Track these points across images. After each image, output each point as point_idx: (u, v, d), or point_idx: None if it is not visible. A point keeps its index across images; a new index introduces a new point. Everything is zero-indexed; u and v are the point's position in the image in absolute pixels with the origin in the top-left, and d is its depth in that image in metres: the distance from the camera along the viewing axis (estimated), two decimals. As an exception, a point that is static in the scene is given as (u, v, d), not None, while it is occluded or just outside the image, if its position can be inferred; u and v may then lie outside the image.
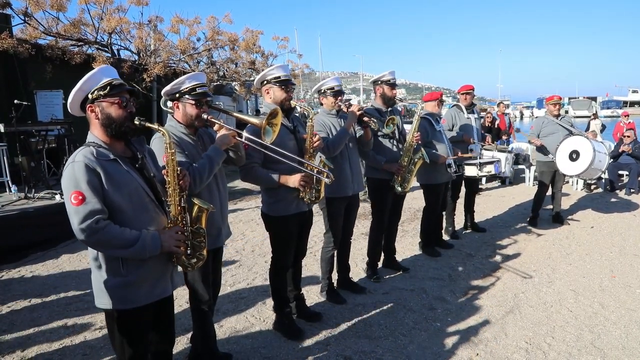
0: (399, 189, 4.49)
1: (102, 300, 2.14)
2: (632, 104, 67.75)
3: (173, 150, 2.15)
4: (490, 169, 5.13)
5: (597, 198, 8.25)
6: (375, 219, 4.69)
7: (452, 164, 5.10)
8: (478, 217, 6.64)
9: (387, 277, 4.80)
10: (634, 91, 72.78)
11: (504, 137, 10.82)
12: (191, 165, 2.60)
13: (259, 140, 2.87)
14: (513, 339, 3.59)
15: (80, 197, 1.95)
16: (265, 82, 3.39)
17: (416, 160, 4.49)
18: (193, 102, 2.69)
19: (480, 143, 5.93)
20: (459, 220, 6.43)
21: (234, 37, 12.40)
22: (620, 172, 9.31)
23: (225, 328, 3.79)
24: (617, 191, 9.06)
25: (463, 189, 6.26)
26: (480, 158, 5.57)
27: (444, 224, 5.98)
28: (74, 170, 1.98)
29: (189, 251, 2.29)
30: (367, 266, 4.80)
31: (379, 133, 4.34)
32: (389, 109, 4.53)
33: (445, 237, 6.00)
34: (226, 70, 13.32)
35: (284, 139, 3.25)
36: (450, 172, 5.12)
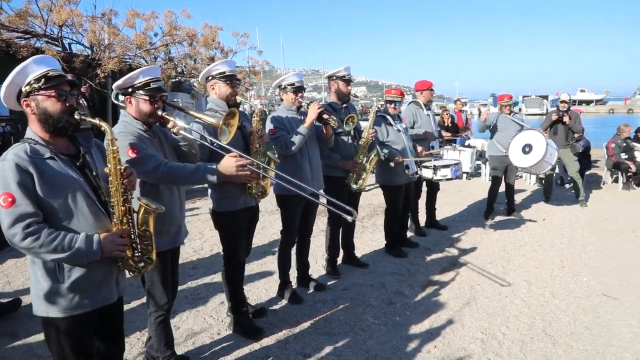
0: (355, 186, 4.48)
1: (40, 307, 2.01)
2: (580, 102, 71.16)
3: (115, 148, 2.01)
4: (445, 173, 4.96)
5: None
6: (331, 216, 4.69)
7: (410, 165, 5.05)
8: (438, 214, 6.74)
9: (347, 273, 4.81)
10: (582, 90, 76.42)
11: (464, 134, 11.06)
12: (165, 164, 2.55)
13: (211, 138, 2.84)
14: (470, 330, 3.67)
15: (10, 199, 1.82)
16: (210, 77, 3.32)
17: (372, 157, 4.50)
18: (147, 97, 2.56)
19: (439, 139, 6.01)
20: (421, 218, 6.51)
21: (192, 33, 12.13)
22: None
23: (183, 330, 3.70)
24: (566, 185, 9.42)
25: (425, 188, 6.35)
26: (441, 158, 5.56)
27: (409, 223, 6.02)
28: (4, 170, 1.84)
29: (136, 255, 2.17)
30: (327, 263, 4.80)
31: (339, 130, 4.32)
32: (344, 105, 4.51)
33: (410, 233, 6.04)
34: (184, 66, 13.02)
35: None
36: (408, 173, 5.06)
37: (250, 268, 4.96)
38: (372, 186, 7.20)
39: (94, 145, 2.19)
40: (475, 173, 10.74)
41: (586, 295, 4.31)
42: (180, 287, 4.06)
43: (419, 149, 5.42)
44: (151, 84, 2.57)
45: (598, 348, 3.43)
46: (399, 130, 5.14)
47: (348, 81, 4.46)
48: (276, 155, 3.61)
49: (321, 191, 3.18)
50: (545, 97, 64.89)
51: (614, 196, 8.66)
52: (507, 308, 4.05)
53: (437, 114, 12.03)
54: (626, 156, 9.23)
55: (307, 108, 3.81)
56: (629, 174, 9.18)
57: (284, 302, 4.14)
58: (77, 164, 2.05)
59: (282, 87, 3.92)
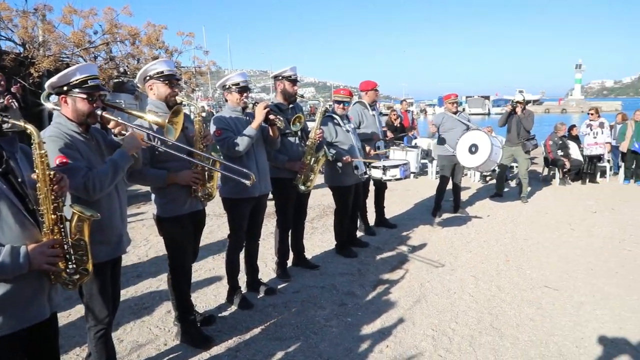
0: (302, 187, 4.42)
1: None
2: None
3: (43, 152, 1.85)
4: (395, 173, 4.95)
5: (493, 189, 8.83)
6: (279, 218, 4.62)
7: (359, 165, 5.03)
8: (386, 213, 6.81)
9: (297, 275, 4.76)
10: (520, 91, 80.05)
11: (410, 134, 11.28)
12: (90, 170, 2.35)
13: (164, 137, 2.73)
14: (420, 328, 3.70)
15: None
16: (147, 77, 3.16)
17: (319, 158, 4.46)
18: (84, 96, 2.37)
19: (384, 139, 6.06)
20: (371, 218, 6.55)
21: (134, 31, 11.72)
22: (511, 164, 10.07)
23: (127, 342, 3.51)
24: (509, 182, 9.79)
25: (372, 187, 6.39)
26: (387, 158, 5.59)
27: (359, 223, 6.04)
28: None
29: (70, 266, 2.01)
30: (277, 266, 4.72)
31: (286, 131, 4.25)
32: (291, 105, 4.45)
33: (360, 232, 6.05)
34: (127, 66, 12.54)
35: None
36: (358, 174, 5.05)
37: (198, 274, 4.82)
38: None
39: (18, 150, 1.99)
40: (422, 172, 10.97)
41: (530, 288, 4.46)
42: (123, 297, 3.88)
43: (367, 149, 5.44)
44: (89, 81, 2.38)
45: (542, 338, 3.54)
46: (347, 131, 5.12)
47: (294, 81, 4.40)
48: (221, 157, 3.50)
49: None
50: (487, 98, 67.81)
51: (552, 191, 9.09)
52: (456, 304, 4.12)
53: (384, 114, 12.21)
54: (562, 153, 9.71)
55: (253, 109, 3.73)
56: (564, 170, 9.66)
57: (234, 308, 4.03)
58: (0, 170, 1.86)
59: (227, 87, 3.79)
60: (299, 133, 4.44)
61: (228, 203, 3.88)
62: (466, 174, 10.54)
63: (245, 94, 3.77)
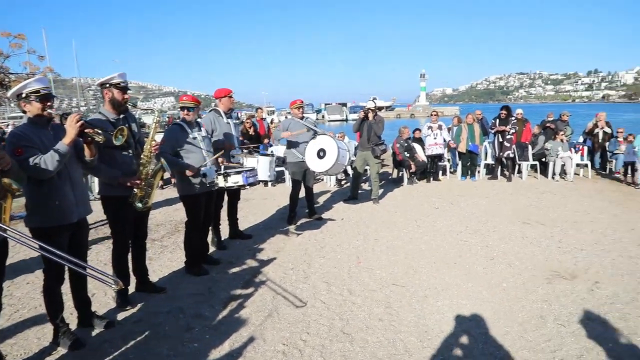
0: (140, 205, 3.98)
1: None
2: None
3: None
4: (237, 180, 4.70)
5: (348, 192, 9.10)
6: (115, 241, 4.14)
7: (208, 173, 4.71)
8: (242, 224, 6.59)
9: (141, 301, 4.30)
10: (374, 98, 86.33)
11: (266, 142, 11.20)
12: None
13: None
14: (271, 344, 3.54)
15: None
16: (22, 95, 3.15)
17: (157, 171, 4.09)
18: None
19: (239, 148, 5.83)
20: (224, 230, 6.26)
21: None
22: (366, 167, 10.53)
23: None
24: (362, 185, 10.21)
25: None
26: (242, 166, 5.37)
27: (210, 235, 5.70)
28: None
29: None
30: (116, 294, 4.21)
31: (117, 144, 3.79)
32: (122, 115, 4.01)
33: (212, 248, 5.73)
34: None
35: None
36: (206, 182, 4.73)
37: (19, 314, 4.12)
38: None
39: None
40: (280, 179, 10.95)
41: (379, 288, 4.57)
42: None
43: (220, 159, 5.16)
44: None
45: (390, 337, 3.61)
46: (194, 138, 4.82)
47: (124, 89, 3.96)
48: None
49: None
50: (345, 105, 71.54)
51: (401, 191, 9.66)
52: (308, 313, 4.04)
53: (241, 122, 11.99)
54: (408, 155, 10.40)
55: (62, 121, 3.23)
56: (411, 170, 10.36)
57: (62, 350, 3.47)
58: None
59: (24, 96, 3.18)
60: (132, 145, 4.02)
61: (38, 234, 3.21)
62: (322, 179, 10.78)
63: (48, 103, 3.23)
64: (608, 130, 11.49)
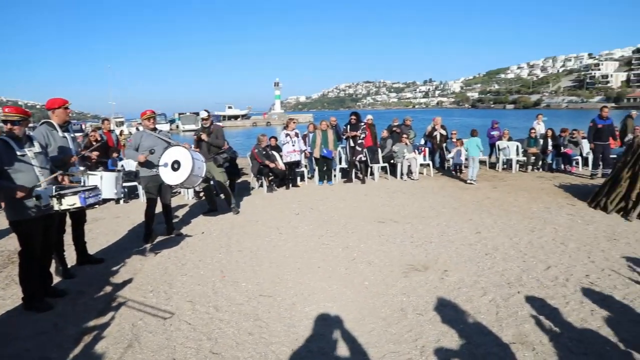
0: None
1: None
2: (230, 117, 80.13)
3: None
4: (73, 201, 4.15)
5: (207, 205, 8.80)
6: None
7: (42, 194, 4.13)
8: (92, 247, 5.97)
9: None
10: (230, 107, 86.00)
11: (115, 155, 10.38)
12: None
13: None
14: (132, 377, 3.25)
15: None
16: None
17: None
18: None
19: (86, 162, 5.26)
20: (71, 256, 5.59)
21: None
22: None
23: None
24: (221, 195, 9.99)
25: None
26: (83, 184, 4.84)
27: (53, 264, 5.01)
28: None
29: None
30: None
31: None
32: None
33: (57, 278, 5.07)
34: None
35: None
36: (41, 205, 4.14)
37: None
38: None
39: None
40: (134, 195, 10.24)
41: (246, 301, 4.48)
42: None
43: (60, 177, 4.57)
44: None
45: (261, 351, 3.56)
46: (23, 155, 4.20)
47: None
48: None
49: None
50: (198, 114, 69.67)
51: (261, 200, 9.66)
52: (173, 337, 3.80)
53: (86, 134, 10.94)
54: (267, 162, 10.46)
55: None
56: (270, 178, 10.43)
57: None
58: None
59: None
60: None
61: None
62: (180, 192, 10.33)
63: None
64: (444, 132, 13.01)
